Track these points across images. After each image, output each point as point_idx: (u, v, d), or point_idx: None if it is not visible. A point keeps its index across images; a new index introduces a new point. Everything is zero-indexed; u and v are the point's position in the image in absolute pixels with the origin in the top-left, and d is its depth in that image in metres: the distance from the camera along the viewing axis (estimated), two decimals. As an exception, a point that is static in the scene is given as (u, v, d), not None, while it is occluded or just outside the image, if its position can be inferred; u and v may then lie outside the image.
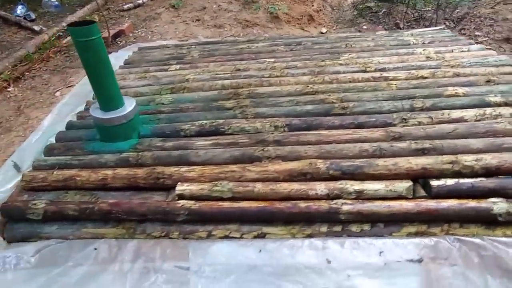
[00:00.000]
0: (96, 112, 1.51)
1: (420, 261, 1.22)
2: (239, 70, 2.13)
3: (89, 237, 1.31)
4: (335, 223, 1.28)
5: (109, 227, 1.31)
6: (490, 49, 2.15)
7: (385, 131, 1.48)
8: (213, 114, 1.70)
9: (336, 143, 1.46)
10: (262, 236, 1.28)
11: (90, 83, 1.46)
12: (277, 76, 2.00)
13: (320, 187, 1.29)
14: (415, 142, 1.40)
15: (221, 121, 1.62)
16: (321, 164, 1.34)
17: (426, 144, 1.39)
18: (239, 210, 1.25)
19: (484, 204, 1.23)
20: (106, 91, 1.47)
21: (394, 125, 1.54)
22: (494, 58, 1.97)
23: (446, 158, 1.32)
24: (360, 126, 1.55)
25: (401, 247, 1.24)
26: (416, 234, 1.27)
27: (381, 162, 1.33)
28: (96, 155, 1.51)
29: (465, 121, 1.53)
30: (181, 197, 1.30)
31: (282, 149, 1.43)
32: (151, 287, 1.17)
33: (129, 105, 1.56)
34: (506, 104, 1.60)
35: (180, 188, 1.31)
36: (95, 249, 1.27)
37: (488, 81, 1.77)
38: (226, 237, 1.28)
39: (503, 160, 1.29)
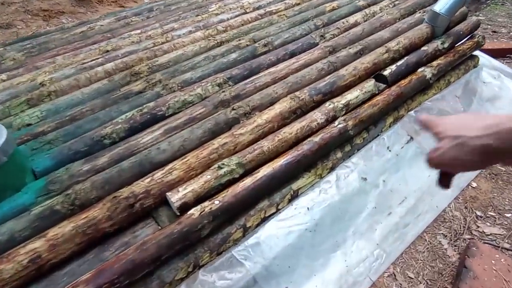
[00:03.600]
0: None
1: (411, 139, 1.34)
2: (108, 51, 1.60)
3: None
4: (345, 145, 1.21)
5: (103, 317, 0.76)
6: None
7: (320, 49, 1.47)
8: (128, 104, 1.21)
9: (292, 74, 1.34)
10: (295, 195, 1.06)
11: None
12: (164, 43, 1.63)
13: (318, 116, 1.16)
14: (350, 48, 1.47)
15: (151, 104, 1.18)
16: (303, 95, 1.20)
17: (358, 46, 1.47)
18: (267, 178, 0.97)
19: (420, 74, 1.44)
20: None
21: (318, 43, 1.56)
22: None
23: (380, 50, 1.45)
24: (293, 54, 1.48)
25: (395, 136, 1.31)
26: (395, 121, 1.37)
27: (343, 71, 1.33)
28: (-20, 236, 0.81)
29: (359, 23, 1.71)
30: (185, 207, 0.89)
31: (251, 100, 1.19)
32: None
33: (-5, 132, 0.89)
34: (369, 5, 1.90)
35: (178, 196, 0.88)
36: None
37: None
38: (263, 220, 0.99)
39: (408, 38, 1.53)
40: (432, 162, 0.51)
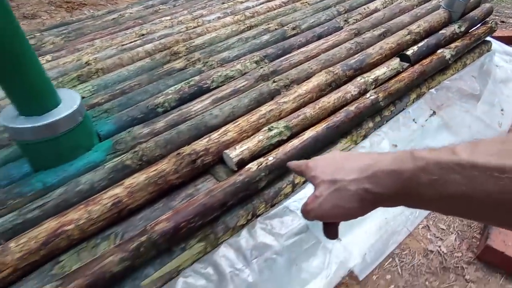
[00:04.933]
0: (25, 121, 0.87)
1: (434, 113, 1.44)
2: (143, 35, 1.69)
3: (158, 286, 0.81)
4: (375, 115, 1.30)
5: (178, 254, 0.85)
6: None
7: (346, 32, 1.57)
8: (174, 79, 1.30)
9: (322, 53, 1.44)
10: (335, 158, 1.16)
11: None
12: (196, 27, 1.72)
13: (351, 88, 1.26)
14: (374, 30, 1.57)
15: (196, 78, 1.27)
16: (336, 70, 1.30)
17: (381, 29, 1.58)
18: (312, 140, 1.07)
19: (439, 55, 1.54)
20: (35, 76, 0.86)
21: (342, 27, 1.66)
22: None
23: (402, 32, 1.55)
24: (321, 36, 1.57)
25: (419, 110, 1.41)
26: (418, 97, 1.47)
27: (370, 50, 1.43)
28: (64, 186, 0.90)
29: (379, 9, 1.82)
30: (242, 163, 0.98)
31: (289, 74, 1.29)
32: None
33: (68, 95, 0.98)
34: (386, -7, 2.00)
35: (236, 153, 0.98)
36: (184, 291, 0.81)
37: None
38: (309, 178, 1.08)
39: (427, 22, 1.63)
40: (312, 213, 0.44)
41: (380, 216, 1.05)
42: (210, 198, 0.88)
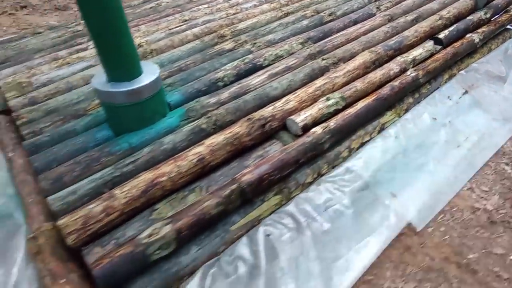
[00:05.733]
0: (117, 86, 0.96)
1: (466, 92, 1.53)
2: (186, 21, 1.78)
3: (242, 233, 0.90)
4: (414, 91, 1.40)
5: (259, 205, 0.94)
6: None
7: (381, 17, 1.67)
8: (227, 58, 1.40)
9: (361, 36, 1.53)
10: (383, 128, 1.25)
11: (98, 37, 0.90)
12: (236, 13, 1.81)
13: (393, 66, 1.36)
14: (405, 16, 1.67)
15: (250, 56, 1.37)
16: (378, 50, 1.40)
17: (412, 15, 1.68)
18: (365, 109, 1.16)
19: (469, 39, 1.64)
20: (128, 45, 0.95)
21: (375, 13, 1.75)
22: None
23: (434, 17, 1.65)
24: (356, 22, 1.67)
25: (452, 89, 1.51)
26: (450, 78, 1.57)
27: (407, 33, 1.52)
28: (150, 146, 0.99)
29: (407, -2, 1.92)
30: (305, 127, 1.07)
31: (335, 53, 1.38)
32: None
33: (148, 66, 1.07)
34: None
35: (301, 118, 1.07)
36: (268, 235, 0.90)
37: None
38: (362, 144, 1.18)
39: (456, 8, 1.73)
40: None
41: (427, 178, 1.14)
42: (286, 154, 0.97)
